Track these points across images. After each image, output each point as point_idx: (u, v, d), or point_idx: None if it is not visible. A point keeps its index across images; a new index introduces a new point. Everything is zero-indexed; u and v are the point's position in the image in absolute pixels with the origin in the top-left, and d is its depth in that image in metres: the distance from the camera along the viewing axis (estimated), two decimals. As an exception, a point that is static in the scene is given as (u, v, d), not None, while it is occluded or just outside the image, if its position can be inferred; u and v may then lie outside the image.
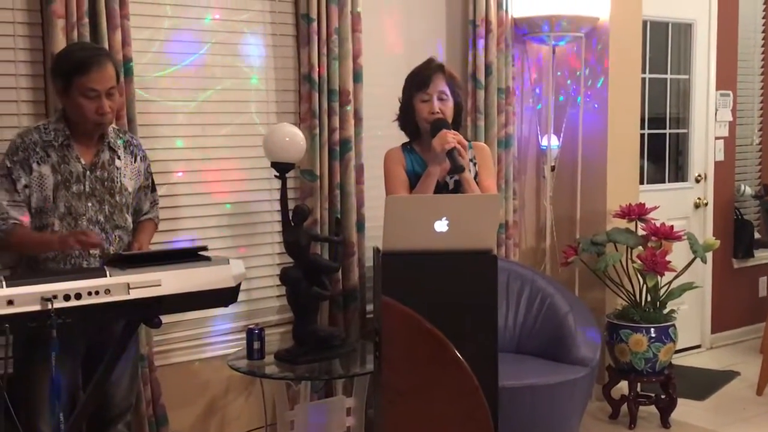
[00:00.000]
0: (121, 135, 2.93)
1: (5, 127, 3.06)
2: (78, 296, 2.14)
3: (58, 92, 2.76)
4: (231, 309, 3.23)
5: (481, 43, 4.20)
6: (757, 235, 5.84)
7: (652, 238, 4.25)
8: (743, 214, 5.78)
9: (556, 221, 4.63)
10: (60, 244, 2.64)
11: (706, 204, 5.52)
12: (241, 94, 3.66)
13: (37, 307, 2.10)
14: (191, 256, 2.40)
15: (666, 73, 5.32)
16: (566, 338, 3.78)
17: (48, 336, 2.10)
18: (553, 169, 4.63)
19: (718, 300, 5.62)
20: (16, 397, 2.55)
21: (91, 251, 2.74)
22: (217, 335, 3.64)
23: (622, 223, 4.40)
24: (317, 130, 3.66)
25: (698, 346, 5.59)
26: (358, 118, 3.80)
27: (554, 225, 4.62)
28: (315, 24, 3.63)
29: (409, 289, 2.69)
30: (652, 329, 4.17)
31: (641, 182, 4.89)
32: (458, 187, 3.18)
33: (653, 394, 4.33)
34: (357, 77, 3.77)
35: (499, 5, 4.27)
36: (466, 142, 3.19)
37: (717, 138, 5.56)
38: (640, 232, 4.34)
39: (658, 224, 4.27)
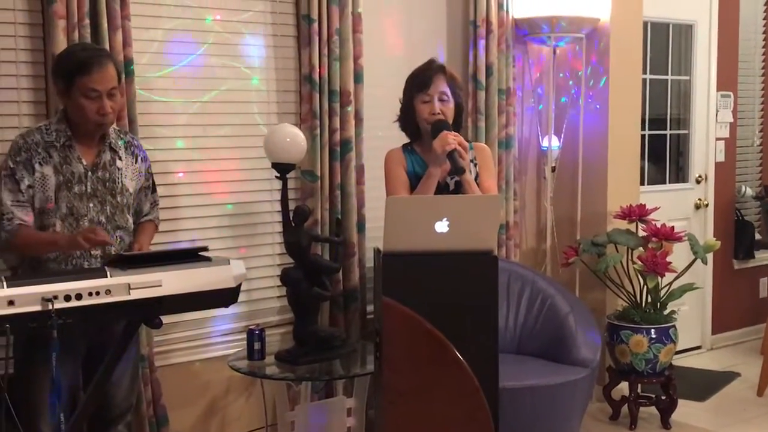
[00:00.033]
0: (122, 136, 2.93)
1: (6, 127, 3.07)
2: (79, 297, 2.14)
3: (60, 93, 2.76)
4: (231, 309, 3.23)
5: (481, 43, 4.20)
6: (757, 236, 5.85)
7: (653, 239, 4.25)
8: (744, 215, 5.79)
9: (556, 222, 4.63)
10: (68, 243, 2.64)
11: (707, 205, 5.52)
12: (241, 95, 3.66)
13: (37, 308, 2.09)
14: (192, 256, 2.40)
15: (667, 74, 5.32)
16: (567, 339, 3.78)
17: (48, 336, 2.10)
18: (553, 169, 4.63)
19: (718, 301, 5.62)
20: (17, 397, 2.56)
21: (92, 252, 2.74)
22: (218, 336, 3.64)
23: (623, 224, 4.40)
24: (318, 131, 3.66)
25: (699, 347, 5.59)
26: (358, 119, 3.80)
27: (555, 226, 4.62)
28: (316, 25, 3.63)
29: (410, 290, 2.69)
30: (653, 330, 4.17)
31: (642, 183, 4.90)
32: (459, 188, 3.18)
33: (653, 395, 4.34)
34: (358, 78, 3.77)
35: (500, 6, 4.27)
36: (467, 144, 3.19)
37: (718, 139, 5.56)
38: (641, 233, 4.34)
39: (658, 225, 4.27)
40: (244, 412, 3.71)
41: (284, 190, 3.44)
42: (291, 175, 3.51)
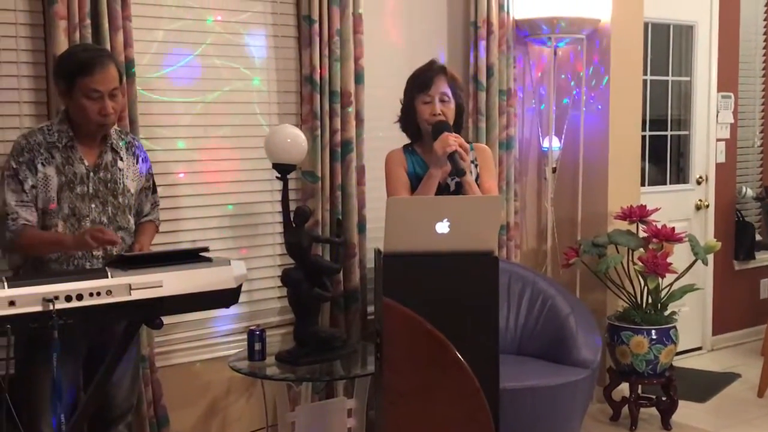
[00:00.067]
0: (123, 136, 2.93)
1: (8, 128, 3.07)
2: (79, 297, 2.14)
3: (61, 93, 2.76)
4: (232, 310, 3.23)
5: (482, 44, 4.21)
6: (758, 237, 5.84)
7: (653, 239, 4.25)
8: (744, 216, 5.79)
9: (557, 223, 4.63)
10: (75, 243, 2.64)
11: (708, 206, 5.52)
12: (242, 96, 3.67)
13: (38, 308, 2.10)
14: (193, 257, 2.41)
15: (667, 74, 5.32)
16: (567, 340, 3.78)
17: (49, 337, 2.10)
18: (554, 170, 4.63)
19: (719, 302, 5.61)
20: (18, 398, 2.56)
21: (94, 252, 2.74)
22: (219, 336, 3.64)
23: (624, 225, 4.40)
24: (318, 132, 3.66)
25: (699, 348, 5.58)
26: (359, 120, 3.80)
27: (555, 226, 4.63)
28: (317, 25, 3.63)
29: (411, 291, 2.70)
30: (653, 331, 4.17)
31: (642, 184, 4.90)
32: (459, 189, 3.18)
33: (654, 396, 4.34)
34: (358, 78, 3.78)
35: (501, 7, 4.27)
36: (468, 145, 3.19)
37: (718, 140, 5.56)
38: (642, 234, 4.34)
39: (659, 226, 4.27)
40: (245, 413, 3.72)
41: (285, 191, 3.44)
42: (292, 175, 3.51)
